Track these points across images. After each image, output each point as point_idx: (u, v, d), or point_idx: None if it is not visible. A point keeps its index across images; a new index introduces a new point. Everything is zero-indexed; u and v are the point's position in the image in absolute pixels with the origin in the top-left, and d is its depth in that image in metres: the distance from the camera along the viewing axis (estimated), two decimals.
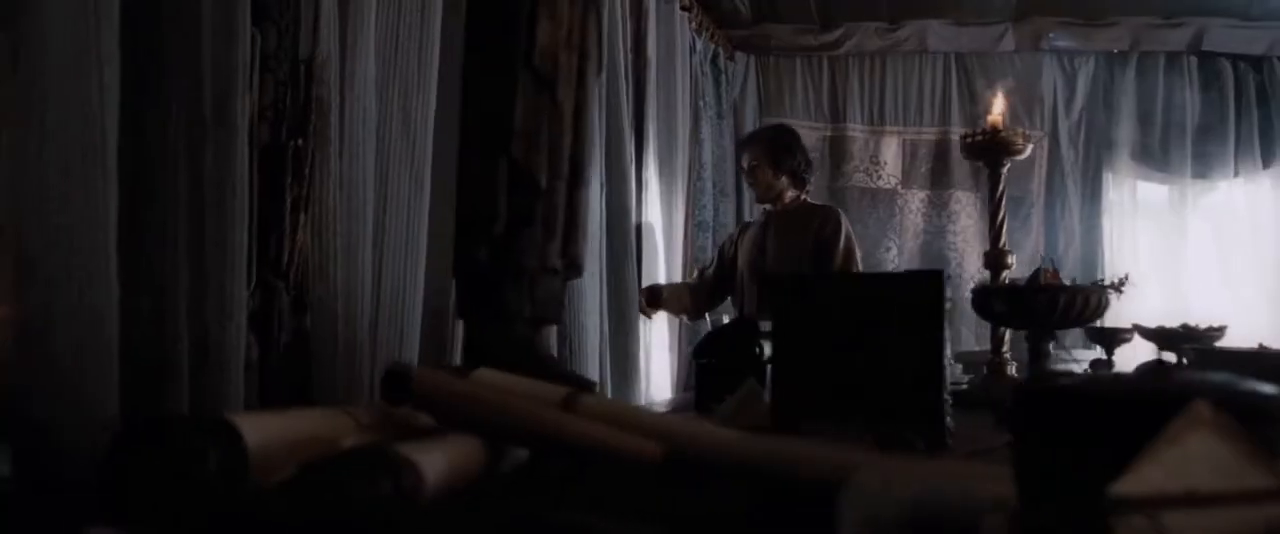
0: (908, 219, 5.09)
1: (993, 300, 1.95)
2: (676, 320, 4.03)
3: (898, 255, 5.06)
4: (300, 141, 1.57)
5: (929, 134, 5.13)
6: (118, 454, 0.58)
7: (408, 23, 1.97)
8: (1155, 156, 4.95)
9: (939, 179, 5.10)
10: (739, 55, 5.15)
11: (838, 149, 5.13)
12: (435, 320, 2.07)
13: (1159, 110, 4.94)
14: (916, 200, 5.11)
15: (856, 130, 5.15)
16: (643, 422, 0.76)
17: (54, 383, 1.05)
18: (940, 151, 5.11)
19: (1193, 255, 4.82)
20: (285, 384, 1.54)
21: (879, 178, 5.13)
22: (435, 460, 0.66)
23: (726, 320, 4.09)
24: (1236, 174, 4.86)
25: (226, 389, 1.33)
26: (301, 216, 1.57)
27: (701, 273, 3.80)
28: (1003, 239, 2.29)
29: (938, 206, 5.09)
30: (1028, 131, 5.05)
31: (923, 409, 1.39)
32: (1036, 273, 2.00)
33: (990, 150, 2.28)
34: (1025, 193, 5.05)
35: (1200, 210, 4.92)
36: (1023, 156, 2.31)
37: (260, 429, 0.62)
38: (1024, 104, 5.02)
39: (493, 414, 0.76)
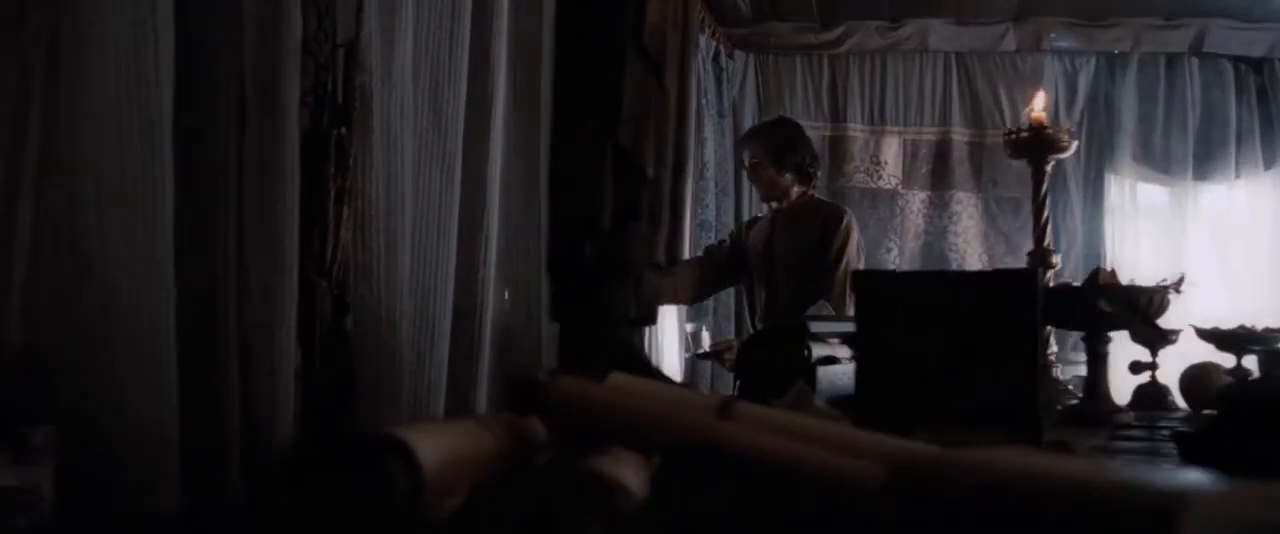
0: (909, 219, 5.03)
1: (1052, 301, 1.88)
2: (681, 321, 3.94)
3: (899, 256, 5.01)
4: (344, 130, 1.47)
5: (929, 134, 5.08)
6: (292, 478, 0.49)
7: (438, 8, 1.87)
8: (1156, 158, 4.93)
9: (940, 180, 5.05)
10: (738, 53, 5.08)
11: (838, 149, 5.07)
12: (463, 320, 1.98)
13: (1160, 111, 4.91)
14: (917, 201, 5.05)
15: (857, 130, 5.09)
16: (827, 435, 0.68)
17: (106, 395, 0.94)
18: (941, 152, 5.06)
19: (1194, 256, 4.80)
20: (327, 389, 1.44)
21: (879, 178, 5.07)
22: (635, 480, 0.57)
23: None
24: (1237, 175, 4.85)
25: (277, 397, 1.23)
26: (345, 210, 1.47)
27: (709, 250, 3.65)
28: (1047, 238, 2.22)
29: (939, 207, 5.04)
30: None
31: (1020, 412, 1.32)
32: (1095, 273, 1.93)
33: (1034, 148, 2.21)
34: (1026, 194, 4.99)
35: (1201, 212, 4.90)
36: (1068, 154, 2.25)
37: (426, 447, 0.53)
38: (1025, 104, 4.98)
39: (648, 425, 0.67)
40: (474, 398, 1.99)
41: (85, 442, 0.94)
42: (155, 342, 0.99)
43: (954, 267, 4.94)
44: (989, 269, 4.27)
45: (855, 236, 3.35)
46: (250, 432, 1.19)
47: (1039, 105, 2.24)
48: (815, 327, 1.86)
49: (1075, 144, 2.25)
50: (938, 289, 1.40)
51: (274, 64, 1.26)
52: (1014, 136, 2.24)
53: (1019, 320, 1.33)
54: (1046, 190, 2.23)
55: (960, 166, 5.02)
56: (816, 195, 3.52)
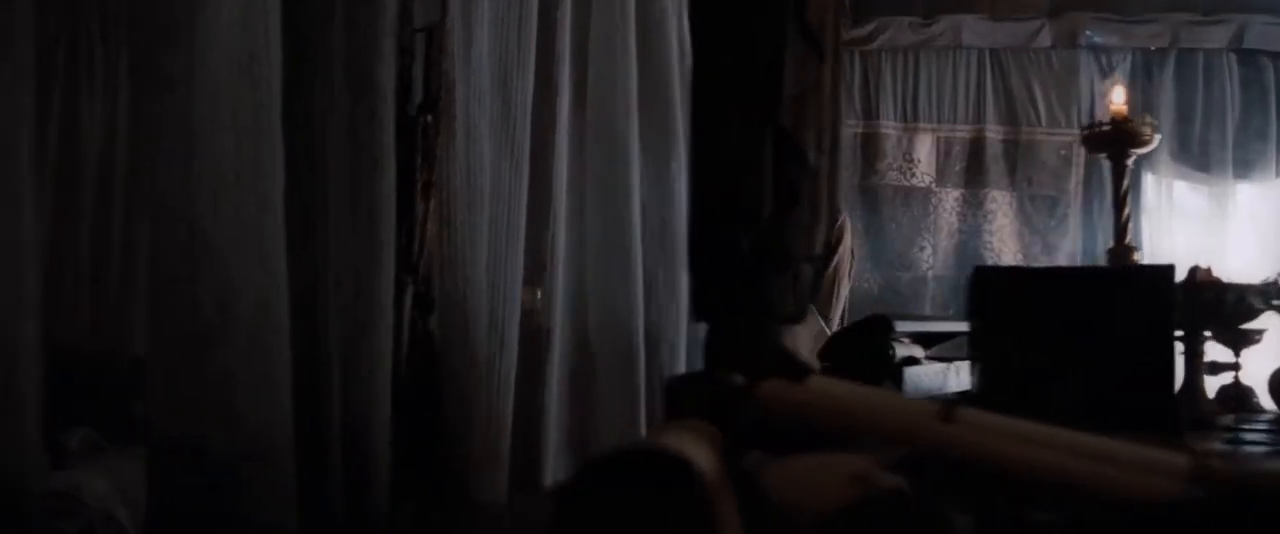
0: (942, 218, 4.96)
1: None
2: None
3: (932, 255, 4.93)
4: (430, 117, 1.40)
5: (963, 132, 5.00)
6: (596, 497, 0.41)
7: None
8: (1194, 156, 4.85)
9: (974, 177, 4.97)
10: None
11: (870, 146, 4.99)
12: (530, 318, 1.91)
13: (1198, 109, 4.83)
14: (951, 199, 4.98)
15: (890, 127, 5.01)
16: (1060, 442, 0.60)
17: (219, 400, 0.87)
18: (975, 149, 4.98)
19: (1233, 256, 4.71)
20: (415, 391, 1.37)
21: (913, 176, 4.99)
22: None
23: None
24: (1278, 174, 4.76)
25: (375, 399, 1.16)
26: (430, 203, 1.40)
27: None
28: (1128, 236, 2.15)
29: (973, 205, 4.96)
30: (1065, 130, 5.03)
31: (1157, 412, 1.24)
32: (1193, 271, 1.85)
33: (1115, 142, 2.14)
34: (1062, 193, 4.94)
35: (1241, 211, 4.82)
36: (1150, 148, 2.18)
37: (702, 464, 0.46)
38: (1060, 102, 4.92)
39: (870, 430, 0.59)
40: (543, 400, 1.92)
41: (194, 452, 0.86)
42: (269, 340, 0.91)
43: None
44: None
45: (847, 239, 3.25)
46: (350, 438, 1.11)
47: (1119, 98, 2.16)
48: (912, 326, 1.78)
49: (1158, 138, 2.16)
50: (1062, 286, 1.33)
51: (368, 46, 1.19)
52: (1094, 130, 2.16)
53: (1153, 318, 1.26)
54: (1127, 186, 2.15)
55: (995, 164, 4.95)
56: None
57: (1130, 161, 2.16)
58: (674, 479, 0.43)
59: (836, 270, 3.17)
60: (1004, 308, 1.26)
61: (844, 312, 3.24)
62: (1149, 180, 4.91)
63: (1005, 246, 4.91)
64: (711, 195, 0.86)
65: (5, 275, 0.66)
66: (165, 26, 0.83)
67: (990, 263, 4.88)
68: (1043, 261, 4.84)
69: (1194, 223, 4.88)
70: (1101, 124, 2.17)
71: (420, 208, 1.36)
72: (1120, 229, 2.17)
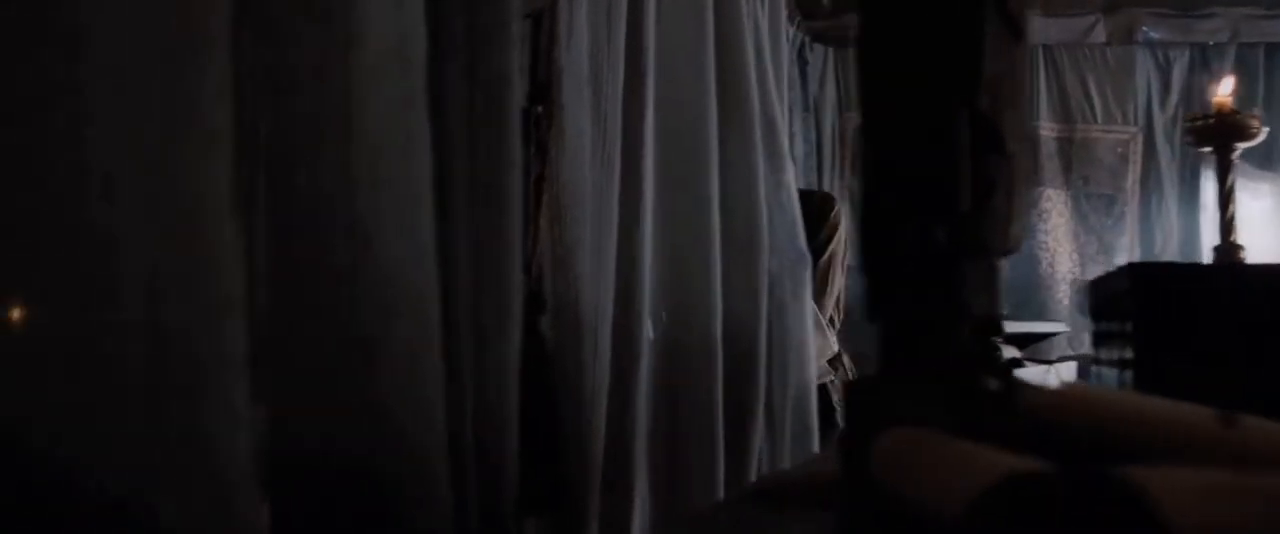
0: None
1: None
2: None
3: None
4: (541, 107, 1.33)
5: None
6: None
7: None
8: (1256, 154, 4.72)
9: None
10: (817, 47, 4.92)
11: None
12: (621, 318, 1.84)
13: (1259, 105, 4.71)
14: None
15: None
16: None
17: (379, 415, 0.79)
18: (1028, 147, 4.87)
19: None
20: (530, 398, 1.30)
21: None
22: None
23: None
24: None
25: (504, 408, 1.09)
26: (543, 198, 1.33)
27: None
28: (1233, 233, 2.06)
29: None
30: (1122, 127, 4.92)
31: None
32: None
33: (1220, 135, 2.04)
34: (1119, 191, 4.84)
35: None
36: (1257, 141, 2.08)
37: None
38: (1116, 98, 4.82)
39: (1148, 437, 0.52)
40: (633, 411, 1.84)
41: (357, 476, 0.79)
42: (422, 346, 0.84)
43: (1044, 266, 4.76)
44: None
45: (843, 228, 3.15)
46: (481, 450, 1.04)
47: (1226, 89, 2.07)
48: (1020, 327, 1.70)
49: (1266, 131, 2.07)
50: (1236, 283, 1.24)
51: (494, 31, 1.11)
52: (1198, 123, 2.07)
53: None
54: (1232, 182, 2.06)
55: (1049, 163, 4.84)
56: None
57: (1235, 156, 2.07)
58: (1130, 510, 0.36)
59: (831, 261, 3.08)
60: (1170, 307, 1.18)
61: (838, 301, 3.14)
62: (1207, 177, 4.80)
63: (1060, 246, 4.81)
64: (900, 184, 0.78)
65: (204, 277, 0.58)
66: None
67: (1044, 263, 4.78)
68: (1100, 262, 4.73)
69: (1256, 222, 4.75)
70: (1205, 116, 2.08)
71: (532, 203, 1.29)
72: (1226, 225, 2.09)
